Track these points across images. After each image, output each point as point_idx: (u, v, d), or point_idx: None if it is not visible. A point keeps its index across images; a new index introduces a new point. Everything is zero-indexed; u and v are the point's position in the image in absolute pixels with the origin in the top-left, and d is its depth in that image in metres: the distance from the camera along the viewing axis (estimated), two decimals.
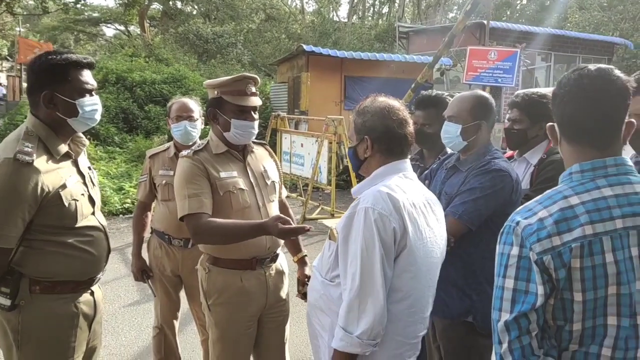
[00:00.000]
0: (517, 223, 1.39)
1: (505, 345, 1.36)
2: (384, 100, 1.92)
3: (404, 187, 1.81)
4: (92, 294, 2.21)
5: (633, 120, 1.46)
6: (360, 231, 1.71)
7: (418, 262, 1.77)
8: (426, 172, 2.80)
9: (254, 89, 2.45)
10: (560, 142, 1.52)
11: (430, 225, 1.85)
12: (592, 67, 1.44)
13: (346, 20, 30.67)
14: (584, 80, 1.43)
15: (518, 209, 1.45)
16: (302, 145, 8.80)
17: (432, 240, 1.83)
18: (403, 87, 10.12)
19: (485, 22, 13.79)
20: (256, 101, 2.45)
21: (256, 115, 2.48)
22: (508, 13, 29.01)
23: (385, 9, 33.32)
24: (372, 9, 33.31)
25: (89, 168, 2.28)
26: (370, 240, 1.69)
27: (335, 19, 29.84)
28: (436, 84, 14.48)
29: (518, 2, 29.97)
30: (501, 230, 1.44)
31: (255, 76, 2.47)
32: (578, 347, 1.38)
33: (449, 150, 2.75)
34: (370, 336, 1.70)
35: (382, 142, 1.87)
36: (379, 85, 12.87)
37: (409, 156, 1.97)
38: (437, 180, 2.60)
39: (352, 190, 1.94)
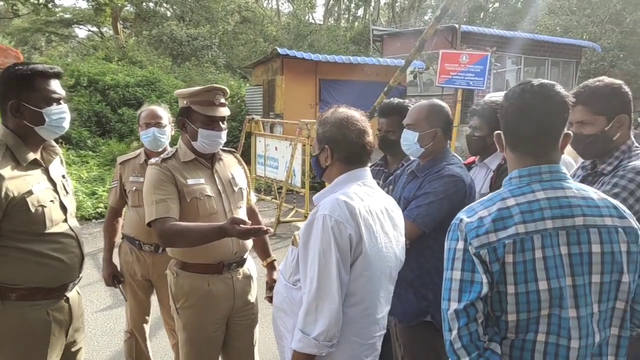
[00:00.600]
0: (461, 220, 1.54)
1: (455, 332, 1.47)
2: (344, 111, 1.99)
3: (361, 194, 1.89)
4: (67, 300, 2.24)
5: (570, 132, 1.60)
6: (319, 237, 1.78)
7: (373, 267, 1.84)
8: (390, 177, 2.90)
9: (222, 100, 2.51)
10: (505, 149, 1.66)
11: (386, 231, 1.92)
12: (535, 82, 1.57)
13: (322, 22, 30.79)
14: (526, 94, 1.56)
15: (464, 208, 1.59)
16: (276, 148, 8.85)
17: (387, 246, 1.90)
18: (377, 90, 10.25)
19: (457, 26, 14.03)
20: (224, 112, 2.51)
21: (224, 125, 2.54)
22: (481, 16, 29.48)
23: (360, 12, 33.56)
24: (347, 11, 33.48)
25: (63, 176, 2.32)
26: (327, 246, 1.76)
27: (311, 21, 29.94)
28: (410, 86, 14.69)
29: (490, 6, 30.47)
30: (448, 228, 1.58)
31: (225, 87, 2.53)
32: (515, 336, 1.50)
33: (412, 157, 2.85)
34: (327, 338, 1.77)
35: (341, 151, 1.94)
36: (353, 88, 13.01)
37: (370, 163, 2.05)
38: (399, 185, 2.69)
39: (314, 197, 2.01)
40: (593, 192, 1.57)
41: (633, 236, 1.53)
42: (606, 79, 2.18)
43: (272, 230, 2.19)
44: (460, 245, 1.51)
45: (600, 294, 1.50)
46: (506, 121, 1.62)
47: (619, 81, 2.17)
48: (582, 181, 2.26)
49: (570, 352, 1.48)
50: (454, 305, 1.48)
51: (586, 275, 1.48)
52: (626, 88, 2.17)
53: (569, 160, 2.98)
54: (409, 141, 2.57)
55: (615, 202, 1.58)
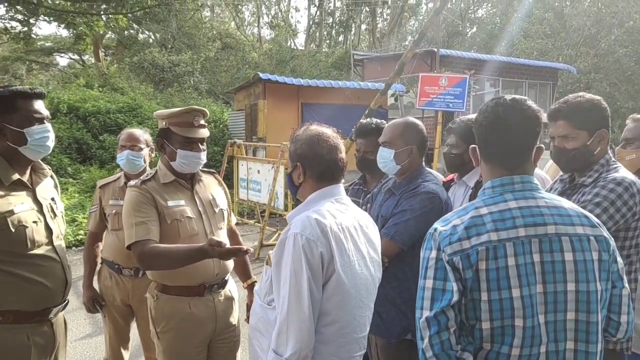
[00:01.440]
0: (435, 230, 1.58)
1: (426, 340, 1.48)
2: (316, 128, 1.99)
3: (334, 211, 1.87)
4: (50, 325, 2.20)
5: (542, 145, 1.65)
6: (290, 256, 1.76)
7: (346, 285, 1.80)
8: (367, 196, 2.92)
9: (202, 121, 2.52)
10: (480, 161, 1.69)
11: (360, 248, 1.89)
12: (508, 97, 1.63)
13: (303, 48, 31.14)
14: (499, 108, 1.61)
15: (439, 219, 1.63)
16: (258, 171, 8.84)
17: (360, 263, 1.87)
18: (358, 113, 10.34)
19: (435, 50, 14.29)
20: (203, 133, 2.52)
21: (204, 147, 2.54)
22: (459, 41, 30.08)
23: (341, 38, 34.02)
24: (329, 37, 33.95)
25: (53, 199, 2.30)
26: (298, 264, 1.73)
27: (293, 47, 30.27)
28: (391, 109, 14.84)
29: (468, 31, 31.12)
30: (424, 238, 1.61)
31: (204, 109, 2.54)
32: (490, 347, 1.51)
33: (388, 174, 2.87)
34: (299, 358, 1.73)
35: (313, 168, 1.93)
36: (334, 111, 13.11)
37: (344, 180, 2.05)
38: (376, 203, 2.71)
39: (288, 216, 2.00)
40: (564, 202, 1.61)
41: (604, 244, 1.56)
42: (586, 95, 2.24)
43: (252, 249, 2.16)
44: (434, 254, 1.54)
45: (577, 302, 1.51)
46: (480, 133, 1.67)
47: (598, 97, 2.25)
48: (560, 194, 2.31)
49: (540, 357, 1.50)
50: (426, 313, 1.49)
51: (560, 283, 1.50)
52: (605, 104, 2.24)
53: (543, 175, 3.03)
54: (385, 158, 2.59)
55: (586, 212, 1.62)
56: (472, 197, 2.83)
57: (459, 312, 1.50)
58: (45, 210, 2.21)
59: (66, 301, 2.30)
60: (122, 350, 3.31)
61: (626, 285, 1.63)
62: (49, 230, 2.20)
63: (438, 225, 1.59)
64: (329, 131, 1.99)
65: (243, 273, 2.82)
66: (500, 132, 1.60)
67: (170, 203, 2.45)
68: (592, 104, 2.20)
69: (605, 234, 1.59)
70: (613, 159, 2.27)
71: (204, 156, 2.54)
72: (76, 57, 30.37)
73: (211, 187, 2.70)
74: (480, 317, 1.49)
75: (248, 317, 2.65)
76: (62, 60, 33.09)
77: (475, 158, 1.73)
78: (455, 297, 1.47)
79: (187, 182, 2.58)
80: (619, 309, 1.63)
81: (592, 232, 1.56)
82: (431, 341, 1.47)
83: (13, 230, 2.02)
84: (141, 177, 2.54)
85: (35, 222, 2.12)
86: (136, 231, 2.30)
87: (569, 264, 1.50)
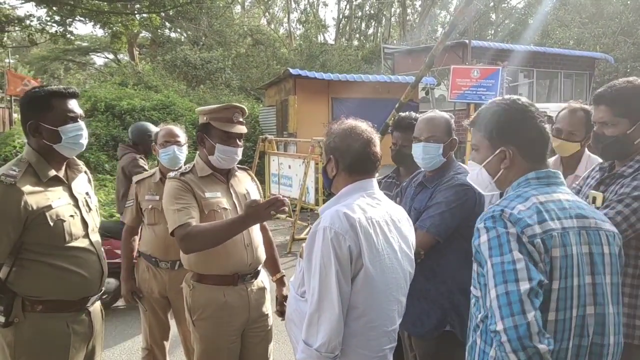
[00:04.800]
0: (503, 210, 1.51)
1: (530, 315, 1.32)
2: (350, 122, 2.02)
3: (364, 205, 1.89)
4: (88, 314, 2.31)
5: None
6: (319, 249, 1.80)
7: (375, 279, 1.83)
8: (396, 190, 2.94)
9: (241, 118, 2.59)
10: (516, 158, 1.70)
11: (391, 242, 1.91)
12: (516, 97, 1.73)
13: (334, 42, 31.08)
14: (527, 106, 1.71)
15: (494, 205, 1.59)
16: (289, 166, 8.92)
17: (391, 257, 1.88)
18: (389, 107, 10.30)
19: (467, 41, 14.11)
20: (242, 129, 2.59)
21: (241, 143, 2.62)
22: (492, 32, 29.56)
23: (371, 31, 33.83)
24: (358, 31, 33.79)
25: (87, 194, 2.41)
26: (327, 257, 1.77)
27: (323, 41, 30.25)
28: (422, 102, 14.71)
29: (501, 22, 30.54)
30: (483, 219, 1.54)
31: (243, 106, 2.62)
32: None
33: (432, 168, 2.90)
34: (328, 349, 1.77)
35: (345, 160, 1.96)
36: (365, 105, 13.08)
37: (377, 174, 2.07)
38: (407, 197, 2.73)
39: (320, 209, 2.03)
40: (578, 198, 1.67)
41: (620, 240, 1.63)
42: (636, 81, 2.14)
43: (288, 200, 2.23)
44: (513, 230, 1.45)
45: (611, 295, 1.54)
46: (515, 128, 1.70)
47: None
48: (600, 183, 2.26)
49: (603, 349, 1.51)
50: (525, 284, 1.35)
51: (602, 275, 1.52)
52: None
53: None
54: (432, 153, 2.58)
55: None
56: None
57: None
58: (80, 204, 2.31)
59: (102, 291, 2.41)
60: (163, 341, 3.41)
61: None
62: (84, 224, 2.30)
63: (503, 207, 1.53)
64: (363, 125, 2.01)
65: (272, 267, 2.89)
66: (539, 130, 1.66)
67: (207, 194, 2.55)
68: (638, 92, 2.11)
69: (615, 229, 1.65)
70: None
71: (240, 152, 2.62)
72: (111, 56, 31.10)
73: (245, 182, 2.79)
74: (549, 306, 1.44)
75: (278, 310, 2.72)
76: (98, 59, 33.92)
77: (502, 159, 1.70)
78: (542, 277, 1.40)
79: (223, 176, 2.67)
80: None
81: (612, 228, 1.61)
82: (537, 318, 1.33)
83: (52, 224, 2.13)
84: (180, 170, 2.63)
85: (72, 216, 2.23)
86: (179, 216, 2.38)
87: (607, 256, 1.54)
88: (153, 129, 4.91)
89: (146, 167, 4.87)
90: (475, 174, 1.76)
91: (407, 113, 3.13)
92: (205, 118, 2.59)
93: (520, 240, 1.43)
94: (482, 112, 1.73)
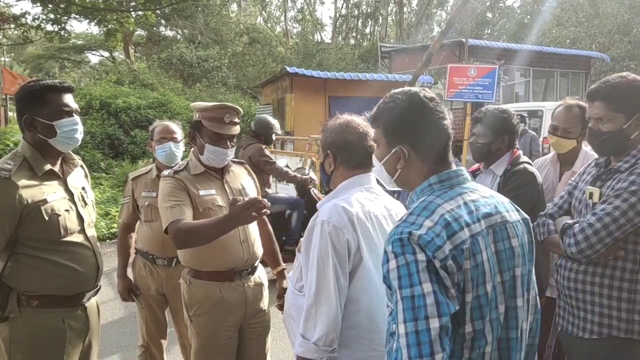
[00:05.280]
0: (410, 234, 1.36)
1: (439, 356, 1.25)
2: (346, 117, 2.03)
3: (362, 200, 1.90)
4: (84, 309, 2.29)
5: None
6: (317, 243, 1.80)
7: (373, 273, 1.83)
8: None
9: (235, 119, 2.56)
10: (412, 159, 1.56)
11: None
12: (415, 89, 1.58)
13: (330, 41, 31.09)
14: (424, 100, 1.55)
15: (402, 223, 1.42)
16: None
17: None
18: None
19: (464, 40, 14.13)
20: (233, 130, 2.56)
21: (233, 144, 2.59)
22: (488, 31, 29.62)
23: (368, 30, 33.85)
24: (355, 29, 33.80)
25: (83, 188, 2.39)
26: (325, 251, 1.78)
27: (319, 40, 30.26)
28: None
29: (497, 21, 30.61)
30: (391, 242, 1.39)
31: (237, 107, 2.58)
32: (470, 352, 1.42)
33: None
34: (326, 343, 1.77)
35: (343, 155, 1.96)
36: (362, 104, 13.03)
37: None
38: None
39: (318, 204, 2.03)
40: (487, 190, 1.58)
41: (529, 225, 1.59)
42: (629, 76, 2.13)
43: (268, 203, 2.19)
44: (422, 257, 1.32)
45: (522, 287, 1.50)
46: (412, 128, 1.55)
47: None
48: (596, 178, 2.24)
49: (510, 344, 1.47)
50: (435, 322, 1.26)
51: (512, 269, 1.48)
52: None
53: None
54: None
55: (505, 198, 1.60)
56: (501, 185, 2.81)
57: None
58: (76, 199, 2.29)
59: (98, 286, 2.39)
60: (160, 338, 3.40)
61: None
62: (80, 219, 2.28)
63: (410, 229, 1.37)
64: (358, 119, 2.02)
65: (273, 260, 2.87)
66: (436, 127, 1.52)
67: (201, 192, 2.53)
68: (633, 87, 2.09)
69: (524, 215, 1.59)
70: None
71: (231, 153, 2.59)
72: (107, 54, 30.99)
73: (241, 177, 2.76)
74: (465, 319, 1.37)
75: (278, 304, 2.71)
76: (94, 57, 33.82)
77: (398, 158, 1.56)
78: (456, 305, 1.32)
79: (217, 172, 2.64)
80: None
81: (516, 217, 1.54)
82: (443, 357, 1.25)
83: (46, 218, 2.11)
84: (174, 168, 2.61)
85: (67, 210, 2.21)
86: (171, 213, 2.37)
87: (516, 249, 1.49)
88: (273, 121, 5.86)
89: (271, 157, 5.64)
90: (377, 170, 1.65)
91: None
92: (197, 115, 2.56)
93: (431, 267, 1.32)
94: (381, 106, 1.60)
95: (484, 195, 1.52)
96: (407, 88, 1.58)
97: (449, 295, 1.31)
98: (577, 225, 2.11)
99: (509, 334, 1.47)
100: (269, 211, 2.18)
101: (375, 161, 1.64)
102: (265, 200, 2.18)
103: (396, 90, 1.59)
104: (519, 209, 1.59)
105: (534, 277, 1.57)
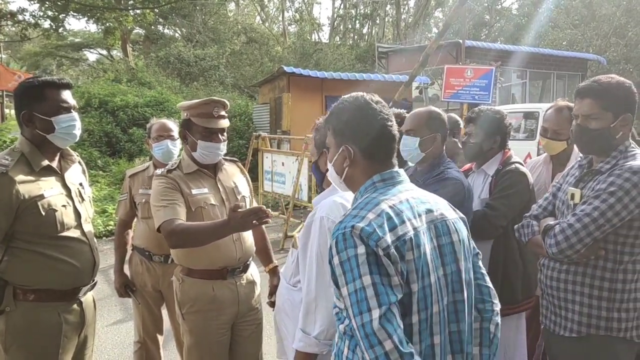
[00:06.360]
0: (353, 227, 1.42)
1: (389, 343, 1.32)
2: None
3: None
4: (79, 304, 2.32)
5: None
6: (316, 239, 1.84)
7: None
8: None
9: (222, 112, 2.58)
10: (357, 159, 1.65)
11: None
12: (361, 94, 1.68)
13: (327, 41, 31.10)
14: (370, 104, 1.66)
15: (345, 218, 1.49)
16: (283, 164, 8.93)
17: None
18: None
19: (461, 41, 14.17)
20: (223, 123, 2.58)
21: (224, 137, 2.61)
22: (485, 32, 29.67)
23: (365, 30, 33.87)
24: (353, 29, 33.82)
25: (81, 184, 2.42)
26: (324, 246, 1.81)
27: (317, 40, 30.28)
28: (416, 102, 14.78)
29: (495, 22, 30.67)
30: (335, 236, 1.45)
31: (223, 100, 2.60)
32: (419, 341, 1.48)
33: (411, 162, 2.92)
34: (327, 337, 1.81)
35: None
36: None
37: None
38: None
39: (314, 200, 2.06)
40: (422, 190, 1.67)
41: (466, 225, 1.68)
42: (617, 77, 2.19)
43: (272, 213, 2.21)
44: (362, 250, 1.39)
45: (463, 281, 1.57)
46: (358, 130, 1.64)
47: (629, 81, 2.19)
48: (579, 180, 2.27)
49: (461, 336, 1.54)
50: (376, 313, 1.33)
51: (453, 263, 1.56)
52: (635, 89, 2.18)
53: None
54: (410, 147, 2.62)
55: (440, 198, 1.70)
56: (493, 185, 2.85)
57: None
58: (73, 194, 2.32)
59: (94, 281, 2.42)
60: (156, 334, 3.43)
61: (478, 250, 1.74)
62: (77, 214, 2.31)
63: (353, 222, 1.43)
64: None
65: (265, 258, 2.90)
66: (380, 128, 1.61)
67: (194, 191, 2.55)
68: (622, 87, 2.15)
69: (462, 215, 1.69)
70: (632, 146, 2.21)
71: (223, 147, 2.61)
72: (104, 52, 30.94)
73: (234, 175, 2.78)
74: (412, 310, 1.43)
75: (269, 300, 2.74)
76: (91, 55, 33.75)
77: (344, 157, 1.64)
78: (399, 292, 1.38)
79: (210, 170, 2.67)
80: (482, 275, 1.74)
81: (454, 215, 1.64)
82: (395, 341, 1.32)
83: (43, 213, 2.14)
84: (166, 167, 2.64)
85: (64, 206, 2.24)
86: (164, 212, 2.39)
87: (456, 244, 1.57)
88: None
89: None
90: (330, 173, 1.73)
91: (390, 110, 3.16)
92: (186, 114, 2.58)
93: (372, 258, 1.38)
94: (332, 109, 1.71)
95: (422, 194, 1.61)
96: (355, 93, 1.68)
97: (393, 284, 1.38)
98: (557, 226, 2.15)
99: (459, 327, 1.55)
100: (270, 220, 2.18)
101: (328, 164, 1.71)
102: (269, 210, 2.17)
103: (346, 95, 1.69)
104: (456, 209, 1.68)
105: (472, 275, 1.64)
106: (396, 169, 1.63)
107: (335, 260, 1.43)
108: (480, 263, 1.75)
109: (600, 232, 2.05)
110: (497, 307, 1.72)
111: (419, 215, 1.51)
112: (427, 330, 1.46)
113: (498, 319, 1.72)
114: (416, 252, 1.43)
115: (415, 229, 1.46)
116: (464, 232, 1.63)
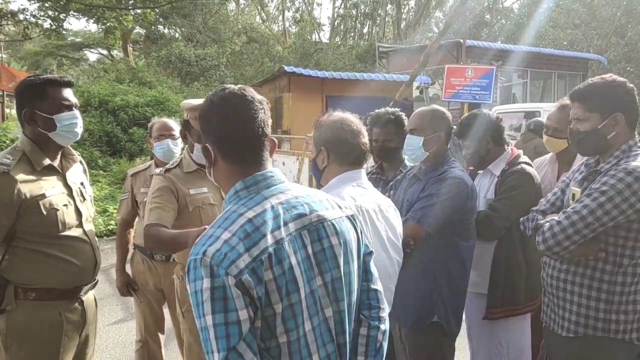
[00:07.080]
0: (204, 253, 1.25)
1: None
2: (339, 114, 2.05)
3: (354, 195, 1.92)
4: (81, 303, 2.32)
5: (274, 138, 1.50)
6: None
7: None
8: (391, 183, 2.96)
9: None
10: (219, 163, 1.46)
11: (379, 231, 1.95)
12: (229, 86, 1.45)
13: (328, 41, 31.12)
14: (230, 99, 1.43)
15: (203, 239, 1.31)
16: (283, 163, 8.94)
17: (378, 246, 1.92)
18: (383, 106, 10.31)
19: (461, 41, 14.17)
20: None
21: None
22: (486, 32, 29.67)
23: (366, 30, 33.88)
24: (353, 29, 33.82)
25: (82, 184, 2.41)
26: None
27: (317, 39, 30.29)
28: (416, 101, 14.78)
29: (495, 22, 30.67)
30: (188, 264, 1.29)
31: None
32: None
33: (408, 163, 2.92)
34: None
35: (337, 151, 1.99)
36: (359, 104, 13.05)
37: (366, 165, 2.10)
38: (401, 189, 2.75)
39: None
40: (308, 189, 1.50)
41: (355, 221, 1.52)
42: (609, 77, 2.15)
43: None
44: (207, 283, 1.22)
45: (350, 284, 1.44)
46: (215, 131, 1.44)
47: (621, 79, 2.15)
48: (584, 179, 2.24)
49: (343, 349, 1.41)
50: (217, 357, 1.20)
51: (336, 269, 1.39)
52: (630, 86, 2.13)
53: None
54: (414, 146, 2.61)
55: (329, 196, 1.53)
56: (498, 185, 2.84)
57: (255, 338, 1.24)
58: (75, 194, 2.31)
59: (96, 280, 2.41)
60: (158, 333, 3.43)
61: (371, 249, 1.59)
62: (78, 213, 2.30)
63: (205, 247, 1.27)
64: (351, 117, 2.05)
65: None
66: (237, 124, 1.40)
67: (192, 191, 2.54)
68: (610, 86, 2.11)
69: (350, 212, 1.51)
70: (637, 146, 2.15)
71: None
72: (105, 52, 30.94)
73: None
74: (276, 332, 1.28)
75: None
76: (92, 55, 33.75)
77: (209, 160, 1.45)
78: (247, 327, 1.22)
79: None
80: (371, 276, 1.58)
81: (337, 214, 1.46)
82: None
83: (45, 213, 2.13)
84: (166, 166, 2.64)
85: (65, 205, 2.23)
86: (149, 215, 2.40)
87: (336, 247, 1.40)
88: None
89: None
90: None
91: (382, 109, 3.15)
92: (186, 115, 2.58)
93: (219, 291, 1.21)
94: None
95: (297, 195, 1.41)
96: (226, 85, 1.46)
97: (240, 319, 1.22)
98: (547, 223, 2.14)
99: (344, 339, 1.41)
100: None
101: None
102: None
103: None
104: (344, 205, 1.52)
105: (354, 279, 1.47)
106: (267, 169, 1.42)
107: (189, 288, 1.28)
108: (372, 263, 1.58)
109: (590, 230, 2.02)
110: (385, 312, 1.57)
111: (286, 224, 1.33)
112: (300, 351, 1.32)
113: (385, 325, 1.55)
114: (277, 269, 1.27)
115: (277, 241, 1.29)
116: (349, 232, 1.46)
